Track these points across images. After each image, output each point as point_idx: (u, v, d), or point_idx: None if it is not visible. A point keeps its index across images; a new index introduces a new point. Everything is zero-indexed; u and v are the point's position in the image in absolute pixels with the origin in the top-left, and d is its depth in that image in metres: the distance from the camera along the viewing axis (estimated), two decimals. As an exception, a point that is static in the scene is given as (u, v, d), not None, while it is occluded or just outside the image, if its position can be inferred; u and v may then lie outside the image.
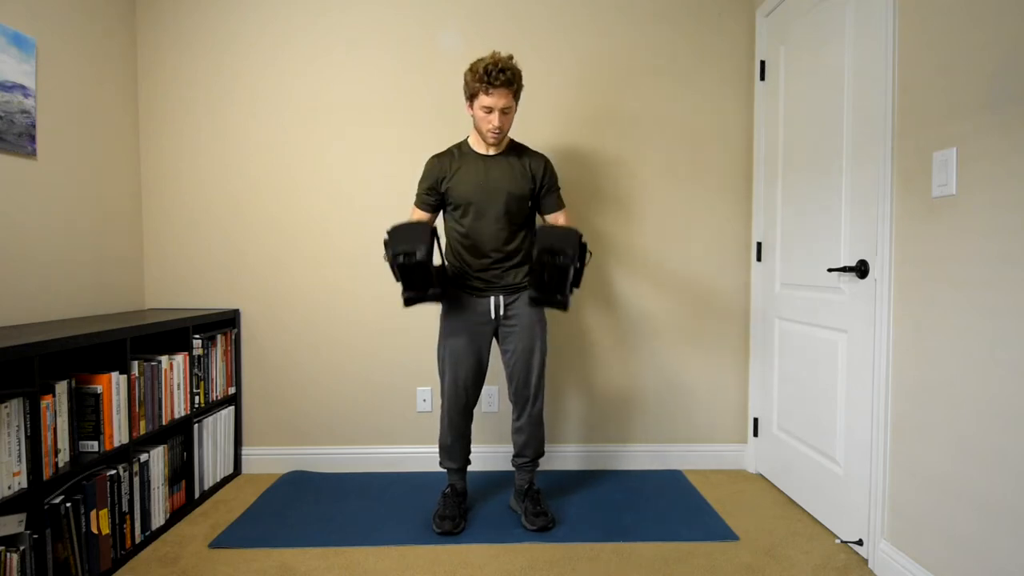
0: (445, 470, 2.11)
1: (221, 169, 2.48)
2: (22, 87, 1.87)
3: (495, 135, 1.89)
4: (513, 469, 2.14)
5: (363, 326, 2.50)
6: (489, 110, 1.85)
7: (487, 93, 1.82)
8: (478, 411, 2.48)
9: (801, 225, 2.13)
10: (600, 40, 2.47)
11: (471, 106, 1.90)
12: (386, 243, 1.80)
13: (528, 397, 2.02)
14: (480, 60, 1.84)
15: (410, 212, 2.05)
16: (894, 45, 1.62)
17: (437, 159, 2.00)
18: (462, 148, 2.01)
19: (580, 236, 1.82)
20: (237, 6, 2.45)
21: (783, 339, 2.26)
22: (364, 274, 2.49)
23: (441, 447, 2.08)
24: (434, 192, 1.98)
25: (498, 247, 1.97)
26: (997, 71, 1.30)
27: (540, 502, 2.02)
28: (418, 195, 2.02)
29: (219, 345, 2.37)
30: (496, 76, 1.80)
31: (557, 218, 2.06)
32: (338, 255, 2.49)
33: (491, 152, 1.97)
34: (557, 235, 1.82)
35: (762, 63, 2.41)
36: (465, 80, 1.88)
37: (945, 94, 1.44)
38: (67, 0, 2.09)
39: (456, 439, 2.05)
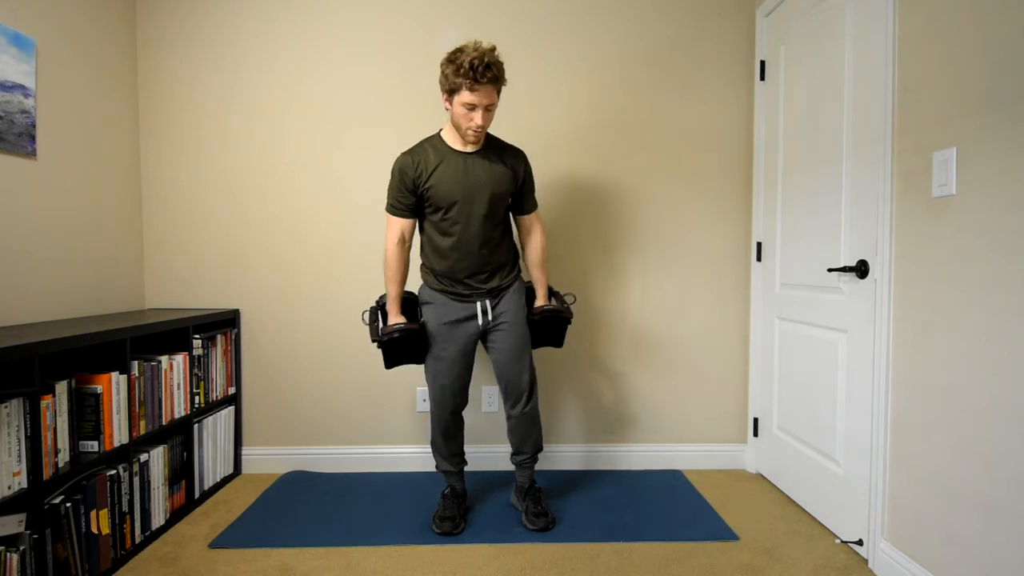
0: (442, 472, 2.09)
1: (221, 169, 2.48)
2: (22, 87, 1.87)
3: (476, 133, 1.78)
4: (512, 467, 2.13)
5: (363, 325, 2.50)
6: (472, 107, 1.71)
7: (472, 90, 1.68)
8: (477, 411, 2.49)
9: (801, 225, 2.13)
10: (600, 39, 2.47)
11: (449, 101, 1.76)
12: (372, 317, 1.97)
13: (523, 394, 1.97)
14: (461, 52, 1.69)
15: (388, 223, 1.90)
16: (894, 45, 1.62)
17: (409, 156, 1.84)
18: (436, 144, 1.86)
19: (561, 315, 2.02)
20: (237, 6, 2.45)
21: (783, 339, 2.26)
22: (364, 274, 2.49)
23: (435, 452, 2.05)
24: (411, 195, 1.85)
25: (483, 249, 1.89)
26: (997, 71, 1.30)
27: (541, 502, 2.01)
28: (392, 201, 1.87)
29: (219, 345, 2.37)
30: (483, 73, 1.66)
31: (532, 222, 2.01)
32: (338, 255, 2.49)
33: (469, 149, 1.85)
34: (547, 323, 2.03)
35: (762, 63, 2.41)
36: (444, 73, 1.73)
37: (945, 94, 1.44)
38: (67, 0, 2.09)
39: (447, 443, 2.01)
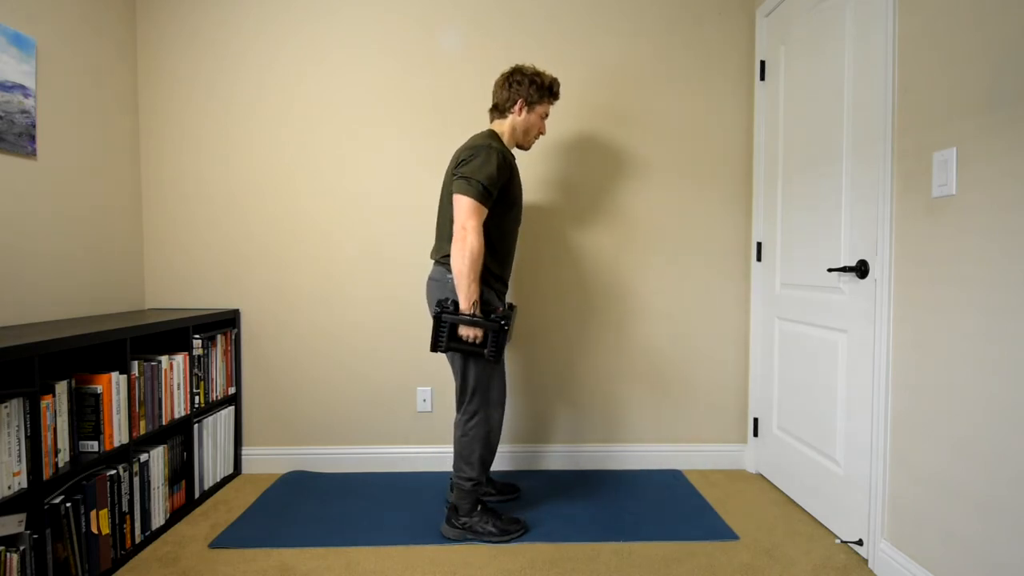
0: (472, 483, 1.90)
1: (221, 169, 2.48)
2: (22, 87, 1.87)
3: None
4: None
5: (363, 325, 2.50)
6: (547, 116, 2.01)
7: (552, 103, 2.00)
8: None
9: (801, 225, 2.13)
10: (600, 40, 2.47)
11: (529, 111, 1.96)
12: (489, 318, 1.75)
13: None
14: (540, 72, 1.95)
15: (475, 211, 1.74)
16: (894, 45, 1.62)
17: (501, 153, 1.81)
18: (503, 145, 1.88)
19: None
20: (237, 6, 2.45)
21: (783, 339, 2.26)
22: (364, 274, 2.49)
23: (481, 463, 1.89)
24: (499, 187, 1.80)
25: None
26: (997, 71, 1.30)
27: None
28: (484, 191, 1.75)
29: (219, 345, 2.36)
30: (558, 92, 2.00)
31: None
32: (338, 255, 2.49)
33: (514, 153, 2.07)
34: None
35: (762, 63, 2.41)
36: (523, 85, 1.93)
37: (945, 94, 1.44)
38: (67, 0, 2.09)
39: (494, 449, 1.96)
